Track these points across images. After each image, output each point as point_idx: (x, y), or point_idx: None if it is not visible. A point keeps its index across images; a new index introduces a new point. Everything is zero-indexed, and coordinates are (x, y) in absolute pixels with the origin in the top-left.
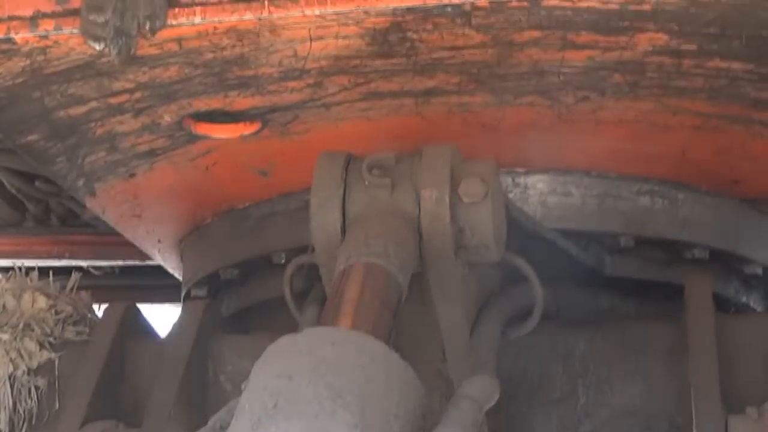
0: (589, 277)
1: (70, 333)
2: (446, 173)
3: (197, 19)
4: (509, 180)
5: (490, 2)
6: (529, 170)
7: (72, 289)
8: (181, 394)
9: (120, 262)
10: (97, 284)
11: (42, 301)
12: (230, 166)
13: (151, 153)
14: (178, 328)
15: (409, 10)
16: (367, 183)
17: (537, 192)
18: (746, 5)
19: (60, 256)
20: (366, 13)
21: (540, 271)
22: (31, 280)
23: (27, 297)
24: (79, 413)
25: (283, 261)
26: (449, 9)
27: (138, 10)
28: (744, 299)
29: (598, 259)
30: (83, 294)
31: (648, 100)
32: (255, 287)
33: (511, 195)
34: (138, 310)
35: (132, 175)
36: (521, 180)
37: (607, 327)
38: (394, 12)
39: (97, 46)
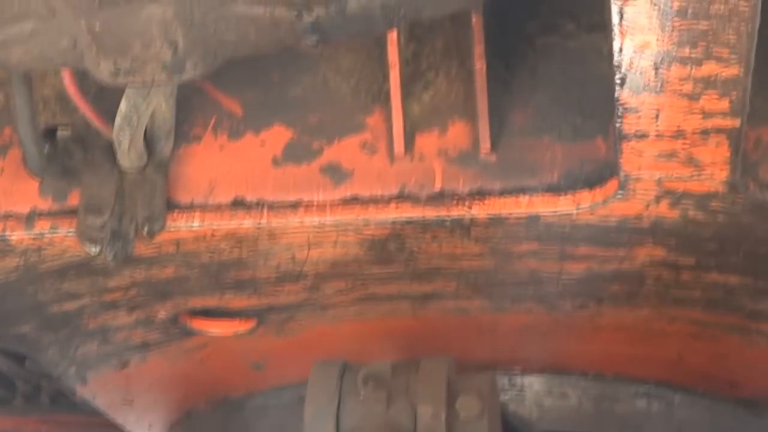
0: None
1: None
2: (443, 389)
3: (196, 223)
4: (505, 380)
5: (488, 217)
6: (525, 370)
7: None
8: None
9: None
10: None
11: None
12: (224, 359)
13: (145, 346)
14: None
15: (409, 222)
16: (362, 396)
17: (533, 393)
18: (743, 224)
19: None
20: (365, 223)
21: None
22: None
23: None
24: None
25: None
26: (448, 222)
27: (136, 212)
28: None
29: None
30: None
31: (645, 308)
32: None
33: (507, 396)
34: None
35: (124, 366)
36: (517, 380)
37: None
38: (394, 223)
39: (93, 249)
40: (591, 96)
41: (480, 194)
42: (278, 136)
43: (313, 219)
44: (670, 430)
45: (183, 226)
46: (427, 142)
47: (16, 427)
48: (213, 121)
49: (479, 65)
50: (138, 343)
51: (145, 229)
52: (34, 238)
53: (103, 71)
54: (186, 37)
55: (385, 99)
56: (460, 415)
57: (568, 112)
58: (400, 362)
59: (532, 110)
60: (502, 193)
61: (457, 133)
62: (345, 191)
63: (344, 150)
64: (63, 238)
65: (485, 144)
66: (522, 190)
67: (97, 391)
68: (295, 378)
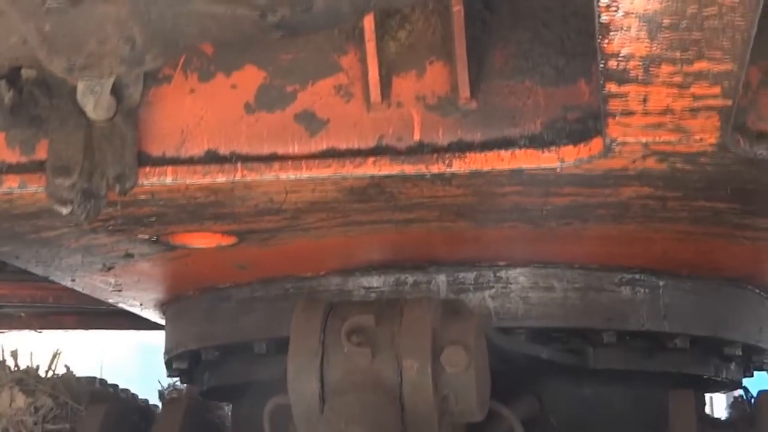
0: (573, 370)
1: None
2: (428, 341)
3: (168, 180)
4: (490, 274)
5: (469, 172)
6: (510, 264)
7: (53, 369)
8: None
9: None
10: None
11: (20, 400)
12: (209, 262)
13: (129, 256)
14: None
15: (388, 177)
16: (346, 350)
17: (519, 287)
18: (732, 171)
19: (44, 301)
20: (343, 178)
21: (523, 371)
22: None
23: (5, 396)
24: None
25: (264, 351)
26: (428, 176)
27: (107, 169)
28: (723, 375)
29: (580, 354)
30: (65, 376)
31: (631, 224)
32: (235, 369)
33: (492, 290)
34: (121, 409)
35: (110, 269)
36: (503, 274)
37: None
38: (372, 177)
39: (64, 210)
40: (573, 32)
41: (460, 148)
42: (250, 78)
43: (288, 175)
44: (655, 315)
45: (156, 182)
46: (405, 86)
47: (11, 291)
48: (182, 59)
49: (457, 8)
50: (122, 254)
51: (117, 188)
52: (3, 194)
53: (56, 67)
54: (144, 33)
55: (359, 37)
56: (446, 369)
57: (550, 51)
58: (384, 307)
59: (513, 49)
60: (483, 147)
61: (435, 76)
62: (321, 143)
63: (318, 95)
64: (33, 194)
65: (464, 91)
66: (504, 143)
67: (85, 285)
68: (280, 273)
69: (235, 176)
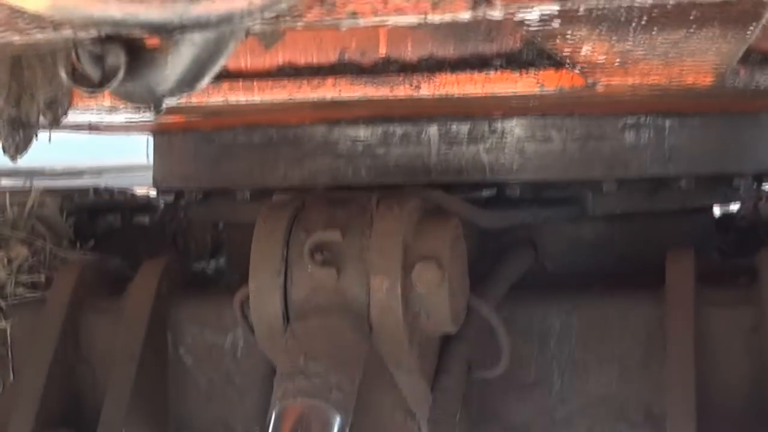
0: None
1: (23, 287)
2: (398, 257)
3: (107, 103)
4: (485, 126)
5: (439, 95)
6: (507, 114)
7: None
8: (139, 376)
9: None
10: None
11: None
12: None
13: None
14: (135, 292)
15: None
16: (310, 269)
17: (514, 138)
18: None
19: None
20: (304, 99)
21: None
22: None
23: None
24: (32, 409)
25: (247, 198)
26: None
27: (37, 92)
28: (731, 201)
29: (578, 203)
30: (47, 215)
31: None
32: (219, 211)
33: (486, 144)
34: (99, 266)
35: None
36: (498, 125)
37: (584, 304)
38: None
39: None
40: None
41: (429, 68)
42: None
43: (239, 98)
44: (660, 158)
45: (94, 106)
46: None
47: None
48: None
49: None
50: None
51: (48, 116)
52: None
53: None
54: None
55: None
56: (418, 287)
57: None
58: (354, 213)
59: None
60: (455, 67)
61: None
62: (276, 58)
63: None
64: None
65: None
66: (478, 63)
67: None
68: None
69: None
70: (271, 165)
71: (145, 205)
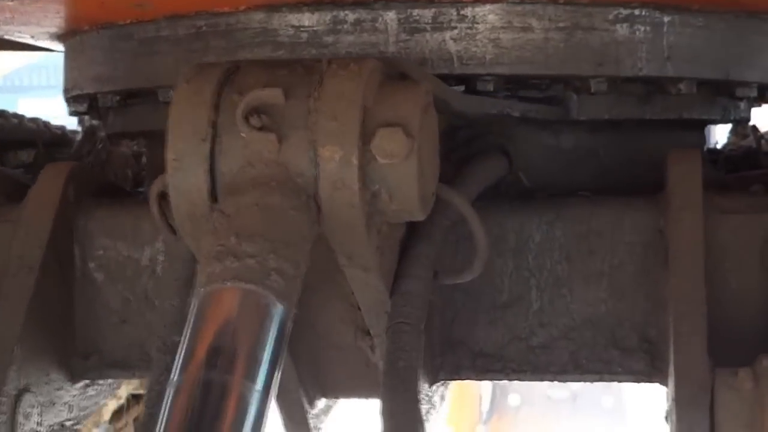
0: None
1: None
2: (354, 122)
3: None
4: (453, 13)
5: None
6: None
7: None
8: (39, 291)
9: None
10: None
11: None
12: None
13: None
14: (36, 197)
15: None
16: (243, 133)
17: (487, 27)
18: None
19: None
20: None
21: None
22: None
23: None
24: None
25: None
26: None
27: None
28: (732, 116)
29: (561, 104)
30: None
31: None
32: (139, 118)
33: (454, 31)
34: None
35: None
36: (468, 11)
37: (569, 212)
38: None
39: None
40: None
41: None
42: None
43: None
44: (657, 57)
45: None
46: None
47: None
48: None
49: None
50: None
51: None
52: None
53: None
54: None
55: None
56: (379, 159)
57: None
58: (300, 73)
59: None
60: None
61: None
62: None
63: None
64: None
65: None
66: None
67: None
68: (191, 8)
69: None
70: (200, 59)
71: (60, 137)
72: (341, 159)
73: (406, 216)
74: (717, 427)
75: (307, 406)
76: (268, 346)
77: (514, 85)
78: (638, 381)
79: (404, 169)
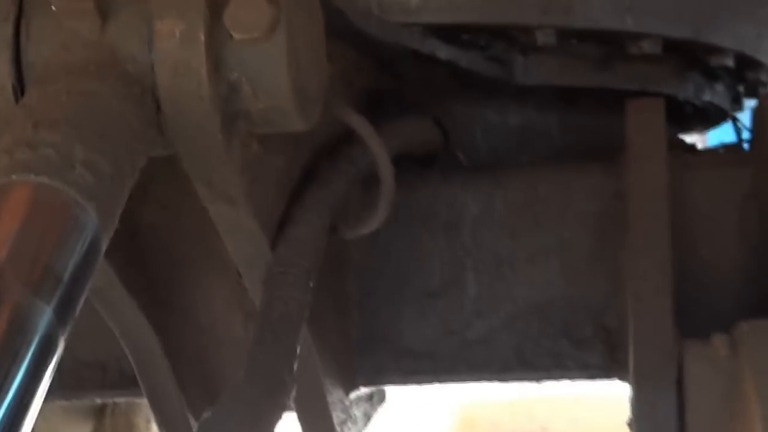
0: (491, 88)
1: None
2: None
3: None
4: None
5: None
6: None
7: None
8: None
9: None
10: None
11: None
12: None
13: None
14: None
15: None
16: (56, 12)
17: None
18: None
19: None
20: None
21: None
22: None
23: None
24: None
25: None
26: None
27: None
28: (707, 96)
29: (501, 63)
30: None
31: None
32: None
33: None
34: None
35: None
36: None
37: (511, 180)
38: None
39: None
40: None
41: None
42: None
43: None
44: (615, 6)
45: None
46: None
47: None
48: None
49: None
50: None
51: None
52: None
53: None
54: None
55: None
56: (234, 35)
57: None
58: None
59: None
60: None
61: None
62: None
63: None
64: None
65: None
66: None
67: None
68: None
69: None
70: None
71: None
72: (183, 34)
73: (279, 121)
74: (686, 402)
75: (192, 420)
76: (68, 257)
77: (445, 39)
78: (594, 378)
79: (269, 48)
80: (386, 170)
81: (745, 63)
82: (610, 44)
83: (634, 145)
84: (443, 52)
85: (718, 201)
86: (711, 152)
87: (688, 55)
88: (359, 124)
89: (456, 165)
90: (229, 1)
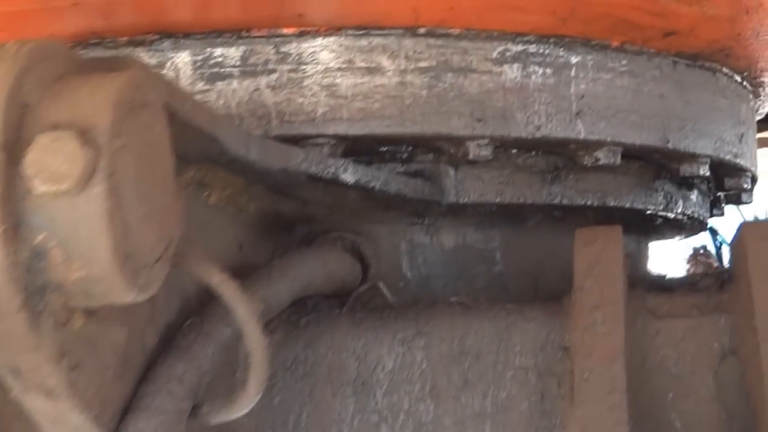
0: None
1: None
2: None
3: None
4: (270, 51)
5: None
6: (306, 30)
7: None
8: None
9: None
10: None
11: None
12: None
13: None
14: None
15: None
16: None
17: (320, 69)
18: None
19: None
20: None
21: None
22: None
23: None
24: None
25: None
26: None
27: None
28: (679, 208)
29: (428, 179)
30: None
31: None
32: None
33: (275, 75)
34: None
35: None
36: (291, 48)
37: (435, 327)
38: None
39: None
40: None
41: None
42: None
43: None
44: (562, 111)
45: None
46: None
47: None
48: None
49: None
50: None
51: None
52: None
53: None
54: None
55: None
56: (36, 185)
57: None
58: None
59: None
60: None
61: None
62: None
63: None
64: None
65: None
66: None
67: None
68: None
69: None
70: None
71: None
72: None
73: (101, 293)
74: None
75: None
76: None
77: (359, 151)
78: None
79: (83, 203)
80: (255, 341)
81: (725, 169)
82: (559, 154)
83: (582, 293)
84: (350, 174)
85: (690, 357)
86: (682, 288)
87: (655, 163)
88: (221, 284)
89: (376, 301)
90: (32, 142)
